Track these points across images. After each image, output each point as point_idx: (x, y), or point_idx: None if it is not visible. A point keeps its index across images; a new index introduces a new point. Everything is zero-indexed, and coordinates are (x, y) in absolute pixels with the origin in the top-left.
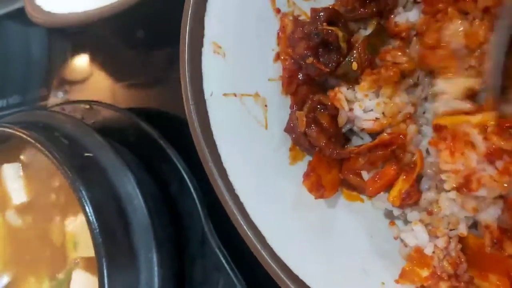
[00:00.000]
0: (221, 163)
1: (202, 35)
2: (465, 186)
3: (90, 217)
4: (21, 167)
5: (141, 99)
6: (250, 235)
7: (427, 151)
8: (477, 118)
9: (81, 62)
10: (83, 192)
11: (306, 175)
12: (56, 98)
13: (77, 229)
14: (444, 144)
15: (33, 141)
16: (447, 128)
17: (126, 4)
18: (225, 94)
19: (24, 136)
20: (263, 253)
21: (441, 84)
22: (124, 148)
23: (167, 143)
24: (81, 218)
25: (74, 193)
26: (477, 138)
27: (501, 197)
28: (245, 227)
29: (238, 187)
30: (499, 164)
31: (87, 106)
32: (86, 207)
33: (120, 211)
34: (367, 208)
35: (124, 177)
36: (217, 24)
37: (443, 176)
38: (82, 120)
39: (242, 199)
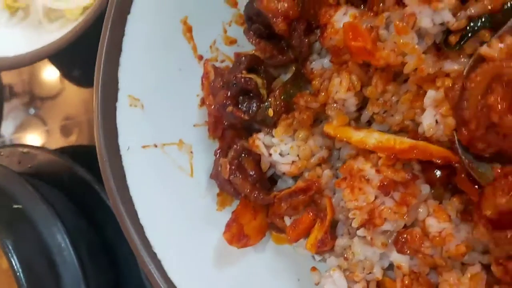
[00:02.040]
0: (138, 220)
1: (117, 89)
2: (370, 222)
3: (18, 272)
4: None
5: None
6: None
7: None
8: (359, 135)
9: (51, 77)
10: (10, 246)
11: (228, 226)
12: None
13: None
14: (344, 182)
15: None
16: (345, 167)
17: (58, 47)
18: (144, 146)
19: None
20: None
21: None
22: (60, 193)
23: (102, 187)
24: None
25: (1, 248)
26: (370, 172)
27: None
28: (162, 286)
29: (156, 244)
30: (397, 195)
31: (25, 150)
32: (13, 262)
33: (50, 264)
34: (295, 251)
35: (53, 228)
36: (132, 77)
37: (350, 215)
38: (19, 164)
39: (160, 256)
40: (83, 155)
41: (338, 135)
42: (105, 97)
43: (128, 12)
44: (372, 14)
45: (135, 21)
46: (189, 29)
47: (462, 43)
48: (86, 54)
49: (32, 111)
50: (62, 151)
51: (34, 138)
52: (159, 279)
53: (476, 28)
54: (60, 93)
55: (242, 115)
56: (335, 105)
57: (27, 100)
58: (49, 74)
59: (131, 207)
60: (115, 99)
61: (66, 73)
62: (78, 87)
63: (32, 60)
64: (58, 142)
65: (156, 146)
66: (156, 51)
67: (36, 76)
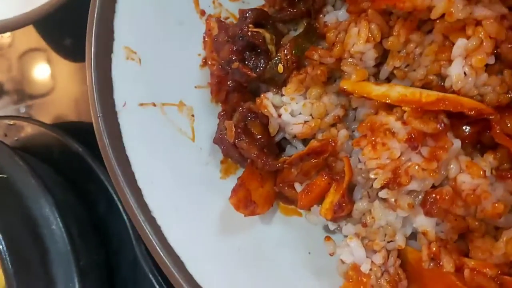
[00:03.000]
0: (135, 182)
1: (112, 39)
2: (394, 182)
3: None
4: None
5: (71, 114)
6: (168, 263)
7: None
8: (380, 90)
9: (42, 75)
10: None
11: (234, 191)
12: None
13: None
14: (365, 140)
15: None
16: (365, 124)
17: (47, 10)
18: (141, 104)
19: None
20: (182, 283)
21: None
22: (48, 167)
23: (95, 160)
24: None
25: None
26: (395, 124)
27: None
28: (162, 254)
29: (155, 209)
30: (425, 151)
31: (11, 122)
32: None
33: (35, 237)
34: (305, 223)
35: (41, 200)
36: (129, 27)
37: (371, 175)
38: (5, 137)
39: (159, 222)
40: (74, 128)
41: (356, 91)
42: (99, 47)
43: None
44: None
45: None
46: None
47: None
48: (77, 21)
49: (22, 109)
50: (52, 125)
51: None
52: (158, 245)
53: None
54: (51, 91)
55: (249, 72)
56: (351, 59)
57: (17, 98)
58: (40, 71)
59: (127, 169)
60: (110, 49)
61: (55, 43)
62: (69, 84)
63: (18, 25)
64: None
65: (154, 105)
66: (156, 1)
67: (27, 74)
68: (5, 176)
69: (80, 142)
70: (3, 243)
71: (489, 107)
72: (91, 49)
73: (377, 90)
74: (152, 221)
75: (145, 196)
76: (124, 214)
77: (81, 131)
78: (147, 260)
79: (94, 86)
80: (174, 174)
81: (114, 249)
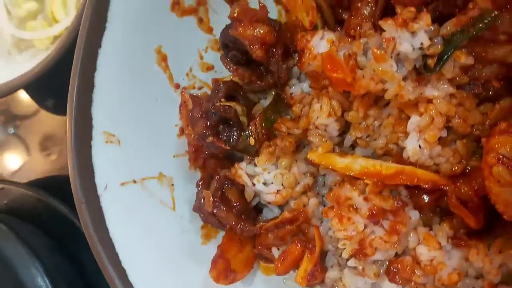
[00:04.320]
0: (120, 263)
1: (91, 127)
2: (361, 252)
3: None
4: None
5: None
6: None
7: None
8: (344, 162)
9: (30, 97)
10: None
11: (213, 263)
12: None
13: None
14: (332, 211)
15: None
16: (331, 195)
17: (29, 78)
18: (123, 183)
19: None
20: None
21: None
22: (37, 229)
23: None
24: None
25: None
26: (358, 200)
27: None
28: None
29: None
30: (386, 224)
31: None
32: None
33: None
34: (284, 284)
35: (32, 268)
36: (107, 113)
37: (340, 245)
38: None
39: None
40: (60, 186)
41: (322, 163)
42: (79, 136)
43: (99, 46)
44: (349, 38)
45: (106, 55)
46: (163, 58)
47: (439, 67)
48: (60, 82)
49: (11, 130)
50: (38, 183)
51: (14, 158)
52: None
53: (451, 50)
54: (38, 111)
55: (223, 145)
56: (316, 130)
57: (6, 119)
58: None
59: (111, 251)
60: (89, 137)
61: (40, 103)
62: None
63: (6, 92)
64: (38, 162)
65: (135, 182)
66: (130, 83)
67: (14, 95)
68: None
69: (66, 202)
70: None
71: (443, 177)
72: (71, 139)
73: (341, 163)
74: None
75: (129, 276)
76: None
77: (66, 191)
78: None
79: (76, 173)
80: (157, 247)
81: None
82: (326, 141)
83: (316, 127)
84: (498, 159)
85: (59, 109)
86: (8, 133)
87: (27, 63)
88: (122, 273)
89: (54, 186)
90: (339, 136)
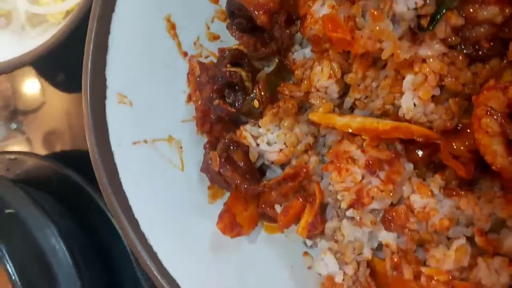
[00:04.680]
0: (133, 214)
1: (105, 88)
2: (358, 202)
3: (13, 276)
4: None
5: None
6: (164, 285)
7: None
8: (342, 120)
9: (32, 90)
10: (4, 251)
11: (220, 217)
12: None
13: None
14: (332, 165)
15: None
16: (331, 151)
17: (42, 52)
18: (135, 142)
19: None
20: None
21: None
22: (49, 197)
23: (93, 189)
24: None
25: None
26: (356, 152)
27: None
28: (159, 277)
29: (151, 237)
30: (382, 174)
31: (12, 157)
32: (8, 267)
33: (44, 267)
34: (287, 240)
35: (47, 230)
36: (120, 75)
37: (339, 196)
38: (7, 171)
39: (155, 248)
40: (71, 159)
41: (323, 122)
42: (94, 96)
43: (113, 11)
44: (348, 2)
45: (120, 20)
46: (172, 27)
47: (432, 26)
48: (69, 58)
49: (14, 125)
50: (49, 156)
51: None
52: (155, 270)
53: (442, 11)
54: (41, 106)
55: (229, 108)
56: (317, 93)
57: (9, 114)
58: (30, 87)
59: (125, 202)
60: (103, 97)
61: (50, 79)
62: (60, 98)
63: (16, 66)
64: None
65: (146, 142)
66: (142, 49)
67: (17, 90)
68: (12, 211)
69: (78, 171)
70: (15, 274)
71: (436, 133)
72: (87, 98)
73: (340, 121)
74: (149, 248)
75: (141, 227)
76: (124, 238)
77: (79, 161)
78: (147, 280)
79: (91, 131)
80: (167, 203)
81: (117, 271)
82: (327, 103)
83: (317, 90)
84: (486, 112)
85: (69, 85)
86: (11, 129)
87: (39, 38)
88: (135, 223)
89: (66, 158)
90: (339, 98)
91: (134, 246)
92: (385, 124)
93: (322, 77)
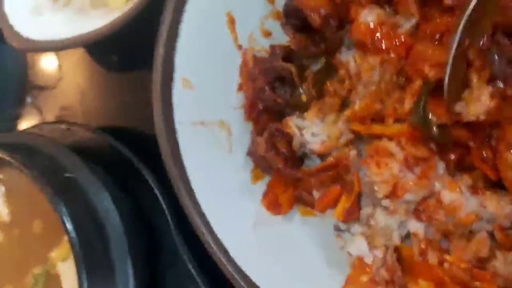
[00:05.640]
0: (189, 184)
1: (173, 72)
2: (393, 194)
3: (71, 234)
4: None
5: (114, 119)
6: (215, 248)
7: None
8: (390, 129)
9: (50, 66)
10: (64, 210)
11: (265, 194)
12: (30, 116)
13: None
14: (371, 159)
15: (16, 162)
16: (371, 146)
17: (101, 34)
18: (193, 123)
19: (7, 158)
20: (227, 265)
21: None
22: (99, 167)
23: (141, 162)
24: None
25: (55, 212)
26: (395, 149)
27: None
28: (211, 242)
29: (204, 206)
30: (417, 170)
31: (65, 127)
32: (68, 226)
33: (98, 227)
34: (320, 222)
35: (101, 195)
36: (186, 62)
37: (375, 187)
38: (63, 139)
39: (208, 217)
40: (122, 134)
41: (365, 131)
42: (164, 79)
43: (186, 2)
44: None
45: (191, 10)
46: (232, 21)
47: None
48: (127, 41)
49: (29, 99)
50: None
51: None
52: (207, 236)
53: None
54: (57, 82)
55: (278, 99)
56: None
57: (24, 88)
58: (47, 63)
59: (183, 173)
60: (171, 80)
61: (103, 59)
62: (76, 76)
63: (76, 44)
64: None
65: (202, 123)
66: (206, 39)
67: (34, 65)
68: (72, 175)
69: (128, 146)
70: (74, 233)
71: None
72: (158, 80)
73: (380, 129)
74: (202, 215)
75: (197, 196)
76: (166, 211)
77: (129, 136)
78: (185, 249)
79: (160, 109)
80: (217, 178)
81: (156, 239)
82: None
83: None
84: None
85: (123, 65)
86: (27, 103)
87: (98, 20)
88: (191, 192)
89: (117, 132)
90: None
91: (189, 212)
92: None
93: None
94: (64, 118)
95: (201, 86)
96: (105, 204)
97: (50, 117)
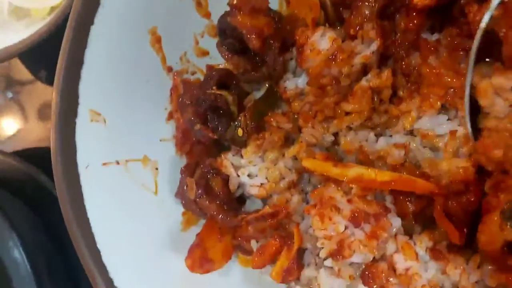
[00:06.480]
0: (95, 244)
1: (77, 104)
2: (338, 253)
3: None
4: None
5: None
6: None
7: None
8: (335, 171)
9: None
10: None
11: (190, 251)
12: None
13: None
14: (314, 209)
15: None
16: (315, 193)
17: (24, 47)
18: (105, 164)
19: None
20: None
21: None
22: (19, 201)
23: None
24: None
25: None
26: (342, 201)
27: None
28: None
29: (113, 270)
30: (367, 227)
31: None
32: None
33: (4, 281)
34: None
35: (9, 242)
36: (94, 91)
37: (318, 244)
38: None
39: (116, 283)
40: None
41: (317, 170)
42: (64, 112)
43: (92, 23)
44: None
45: (99, 32)
46: (158, 40)
47: None
48: (53, 54)
49: (9, 94)
50: (29, 152)
51: (11, 123)
52: None
53: None
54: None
55: (211, 134)
56: (312, 130)
57: (6, 84)
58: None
59: (87, 231)
60: (74, 114)
61: (34, 73)
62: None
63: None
64: (34, 129)
65: (118, 163)
66: (122, 63)
67: (16, 60)
68: None
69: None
70: None
71: (439, 187)
72: (56, 114)
73: (335, 170)
74: (109, 282)
75: (103, 259)
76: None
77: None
78: None
79: (57, 150)
80: (136, 231)
81: (83, 281)
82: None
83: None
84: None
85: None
86: (7, 98)
87: (22, 32)
88: (96, 254)
89: (46, 157)
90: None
91: (93, 279)
92: (384, 175)
93: None
94: (46, 115)
95: (118, 118)
96: (14, 253)
97: (31, 112)
